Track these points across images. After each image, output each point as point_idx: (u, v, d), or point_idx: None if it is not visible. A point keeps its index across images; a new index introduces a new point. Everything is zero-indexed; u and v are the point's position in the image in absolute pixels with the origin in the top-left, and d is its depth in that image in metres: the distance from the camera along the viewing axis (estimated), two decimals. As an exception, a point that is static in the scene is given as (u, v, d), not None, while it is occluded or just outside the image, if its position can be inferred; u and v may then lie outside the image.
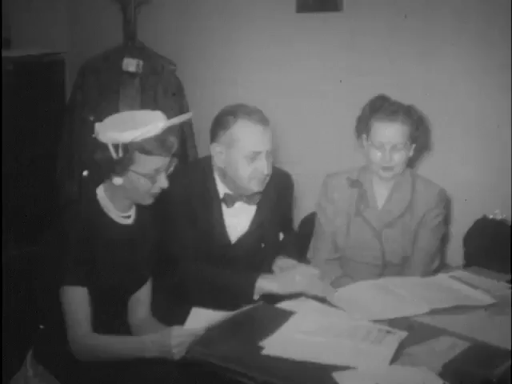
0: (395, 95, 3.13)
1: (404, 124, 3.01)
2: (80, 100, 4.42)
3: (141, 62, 4.37)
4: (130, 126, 2.40)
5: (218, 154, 2.85)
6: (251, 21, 4.44)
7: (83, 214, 2.49)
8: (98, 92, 4.39)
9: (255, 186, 2.86)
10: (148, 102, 4.33)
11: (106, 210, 2.54)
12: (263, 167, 2.82)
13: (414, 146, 3.09)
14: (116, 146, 2.41)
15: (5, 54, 4.46)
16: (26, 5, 4.81)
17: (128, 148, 2.41)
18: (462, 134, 3.83)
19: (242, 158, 2.80)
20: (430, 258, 3.15)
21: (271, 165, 2.87)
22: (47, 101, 4.61)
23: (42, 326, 2.60)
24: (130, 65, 4.37)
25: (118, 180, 2.46)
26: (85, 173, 2.52)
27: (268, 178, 2.89)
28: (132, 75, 4.37)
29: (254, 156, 2.80)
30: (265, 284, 2.74)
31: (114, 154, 2.41)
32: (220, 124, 2.84)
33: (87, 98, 4.40)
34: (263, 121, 2.82)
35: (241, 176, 2.83)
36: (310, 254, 3.26)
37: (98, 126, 2.44)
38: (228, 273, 2.83)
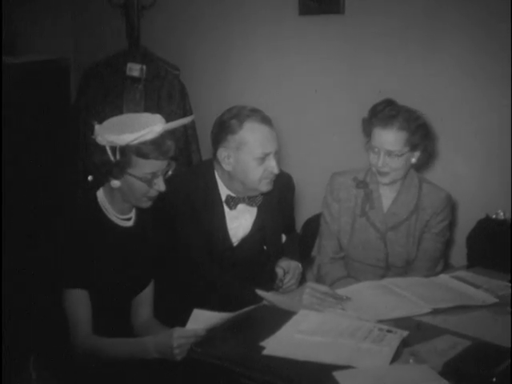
0: (398, 97, 3.12)
1: (401, 130, 2.96)
2: (84, 105, 4.43)
3: (144, 67, 4.37)
4: (128, 129, 2.41)
5: (226, 158, 2.85)
6: (255, 24, 4.45)
7: (83, 217, 2.51)
8: (101, 97, 4.40)
9: (265, 187, 2.88)
10: (152, 106, 4.33)
11: (105, 212, 2.55)
12: (273, 167, 2.84)
13: (417, 153, 3.05)
14: (113, 149, 2.42)
15: (10, 60, 4.47)
16: (30, 11, 4.82)
17: (125, 151, 2.42)
18: (466, 135, 3.83)
19: (252, 161, 2.81)
20: (434, 262, 3.15)
21: (279, 164, 2.89)
22: (52, 106, 4.62)
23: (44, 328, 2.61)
24: (134, 70, 4.38)
25: (115, 183, 2.47)
26: (89, 177, 2.53)
27: (275, 177, 2.91)
28: (136, 80, 4.37)
29: (264, 157, 2.81)
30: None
31: (111, 157, 2.43)
32: (225, 129, 2.83)
33: (91, 103, 4.41)
34: (267, 121, 2.84)
35: (251, 178, 2.84)
36: (314, 252, 3.26)
37: (97, 128, 2.46)
38: (237, 285, 2.84)
